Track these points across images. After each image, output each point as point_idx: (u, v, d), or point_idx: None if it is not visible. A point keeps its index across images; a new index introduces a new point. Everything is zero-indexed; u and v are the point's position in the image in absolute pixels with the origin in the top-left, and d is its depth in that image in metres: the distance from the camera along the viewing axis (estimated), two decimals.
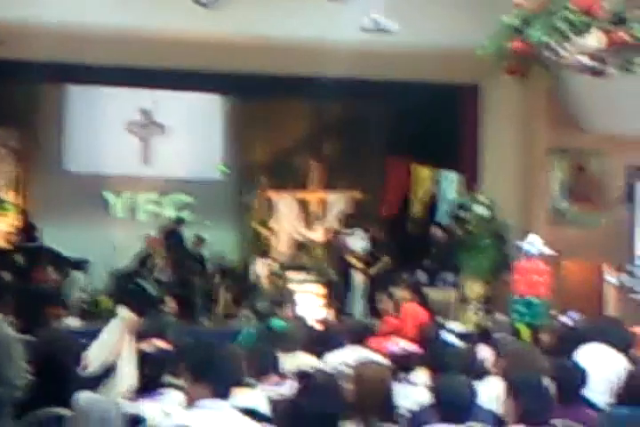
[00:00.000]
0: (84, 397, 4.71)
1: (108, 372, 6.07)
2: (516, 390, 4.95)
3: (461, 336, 8.71)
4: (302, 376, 5.24)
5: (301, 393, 4.85)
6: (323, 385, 4.84)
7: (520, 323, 9.49)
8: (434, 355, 6.28)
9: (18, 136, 17.11)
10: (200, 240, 15.71)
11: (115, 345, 6.55)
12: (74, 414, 4.70)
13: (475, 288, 13.17)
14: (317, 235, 17.66)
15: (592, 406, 5.83)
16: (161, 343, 6.00)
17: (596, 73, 9.05)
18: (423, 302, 10.22)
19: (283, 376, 6.58)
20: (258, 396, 5.76)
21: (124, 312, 7.02)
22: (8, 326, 5.77)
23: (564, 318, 9.65)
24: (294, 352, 7.37)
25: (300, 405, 4.75)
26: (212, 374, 4.58)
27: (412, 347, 6.49)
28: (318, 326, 9.65)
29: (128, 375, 6.16)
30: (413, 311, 9.75)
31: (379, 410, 4.81)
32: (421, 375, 6.13)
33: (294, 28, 11.84)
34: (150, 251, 15.14)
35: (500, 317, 9.66)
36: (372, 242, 15.55)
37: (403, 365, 5.79)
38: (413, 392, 5.14)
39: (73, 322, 12.45)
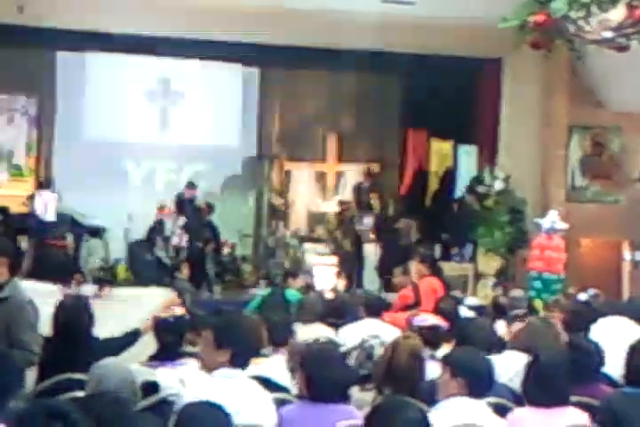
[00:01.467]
0: (100, 363, 4.73)
1: (131, 338, 6.08)
2: (537, 365, 4.97)
3: (477, 311, 8.71)
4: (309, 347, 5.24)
5: (308, 363, 4.85)
6: (327, 355, 4.85)
7: (537, 299, 9.47)
8: (458, 329, 6.26)
9: (37, 103, 17.11)
10: (210, 207, 15.63)
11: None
12: (91, 378, 4.72)
13: (491, 263, 13.16)
14: (332, 207, 17.65)
15: (611, 382, 5.80)
16: (180, 310, 6.01)
17: (619, 48, 8.96)
18: (438, 276, 10.14)
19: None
20: (274, 365, 5.77)
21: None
22: (24, 290, 5.79)
23: (582, 296, 9.64)
24: (311, 323, 7.37)
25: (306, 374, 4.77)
26: (233, 343, 4.61)
27: (441, 322, 6.43)
28: (333, 298, 9.64)
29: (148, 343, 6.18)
30: (431, 286, 9.69)
31: (407, 383, 4.81)
32: (443, 351, 6.11)
33: None
34: (164, 218, 15.13)
35: (516, 292, 9.61)
36: (386, 215, 15.51)
37: (429, 341, 5.75)
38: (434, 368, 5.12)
39: (89, 289, 12.46)
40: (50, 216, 14.56)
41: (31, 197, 14.75)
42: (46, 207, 14.65)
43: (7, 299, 5.40)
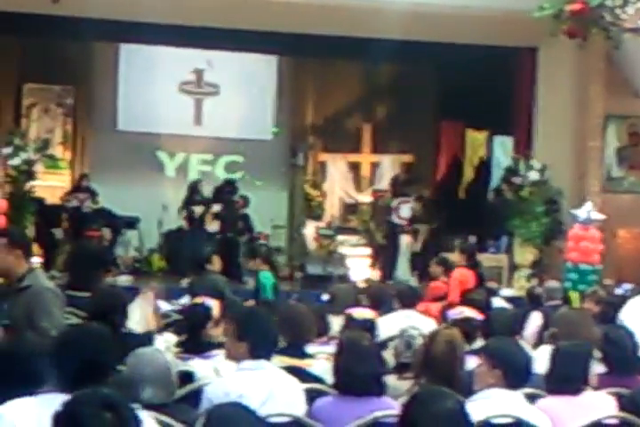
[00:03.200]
0: (137, 351, 4.75)
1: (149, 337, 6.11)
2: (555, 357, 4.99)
3: (513, 302, 8.67)
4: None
5: (339, 353, 4.88)
6: (357, 344, 4.86)
7: (572, 290, 9.40)
8: (489, 320, 6.24)
9: (73, 94, 17.20)
10: (245, 201, 15.68)
11: (147, 320, 6.62)
12: (127, 369, 4.73)
13: (526, 254, 13.09)
14: (367, 198, 17.63)
15: None
16: (211, 302, 6.02)
17: None
18: (476, 266, 10.11)
19: (331, 337, 6.59)
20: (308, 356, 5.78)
21: (143, 290, 7.11)
22: (47, 278, 5.85)
23: (619, 290, 9.58)
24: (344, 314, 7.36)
25: (338, 364, 4.81)
26: (252, 335, 4.66)
27: (476, 315, 6.39)
28: (366, 288, 9.61)
29: (169, 340, 6.21)
30: (462, 277, 9.67)
31: (444, 373, 4.80)
32: (481, 343, 6.08)
33: None
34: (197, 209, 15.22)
35: (551, 283, 9.55)
36: (423, 206, 15.46)
37: (464, 334, 5.74)
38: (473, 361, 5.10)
39: (125, 280, 12.53)
40: (86, 209, 14.72)
41: (67, 198, 14.92)
42: (82, 204, 14.81)
43: (27, 288, 5.47)
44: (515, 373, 4.62)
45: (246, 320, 4.90)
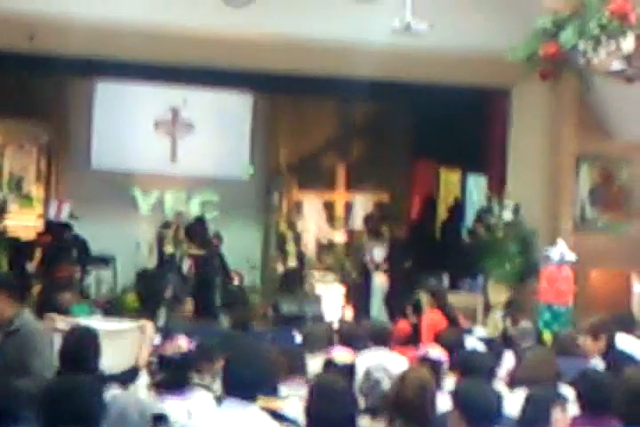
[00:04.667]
0: (116, 395, 4.71)
1: (132, 375, 6.04)
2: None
3: (486, 343, 8.66)
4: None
5: (311, 396, 4.84)
6: (329, 388, 4.82)
7: (546, 331, 9.41)
8: (460, 360, 6.23)
9: (47, 132, 17.16)
10: (218, 238, 15.66)
11: (135, 353, 6.54)
12: (111, 412, 4.69)
13: (500, 294, 13.10)
14: (341, 236, 17.63)
15: None
16: (184, 345, 5.93)
17: (628, 79, 8.97)
18: (446, 307, 10.10)
19: (306, 378, 6.55)
20: (283, 397, 5.74)
21: (143, 321, 6.99)
22: (35, 318, 5.82)
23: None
24: (319, 353, 7.33)
25: (310, 408, 4.77)
26: (242, 374, 4.60)
27: (442, 355, 6.40)
28: (340, 328, 9.57)
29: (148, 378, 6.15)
30: (433, 321, 9.68)
31: (416, 414, 4.78)
32: (450, 383, 6.08)
33: (323, 28, 11.82)
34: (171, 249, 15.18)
35: (525, 324, 9.56)
36: (396, 245, 15.47)
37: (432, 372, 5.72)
38: (443, 400, 5.08)
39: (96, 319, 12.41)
40: (63, 217, 14.59)
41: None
42: (60, 210, 14.71)
43: (17, 331, 5.46)
44: (481, 417, 4.60)
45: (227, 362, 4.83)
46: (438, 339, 7.67)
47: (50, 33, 11.83)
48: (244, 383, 4.64)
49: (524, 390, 5.87)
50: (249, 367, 4.68)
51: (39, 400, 4.07)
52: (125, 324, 6.94)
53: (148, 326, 6.88)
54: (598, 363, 7.07)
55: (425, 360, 6.31)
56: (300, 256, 16.45)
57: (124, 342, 6.50)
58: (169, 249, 15.05)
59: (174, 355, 5.80)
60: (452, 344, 7.14)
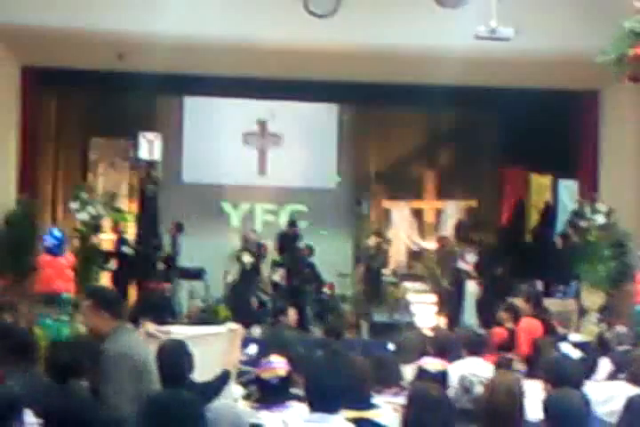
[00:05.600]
0: (212, 406, 4.74)
1: (224, 381, 6.03)
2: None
3: (581, 348, 8.54)
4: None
5: (409, 405, 4.83)
6: (427, 396, 4.81)
7: None
8: (550, 368, 6.15)
9: (138, 147, 17.43)
10: (310, 250, 15.75)
11: (225, 356, 6.53)
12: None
13: (594, 298, 12.92)
14: (432, 244, 17.57)
15: None
16: (282, 371, 5.83)
17: None
18: (542, 313, 10.02)
19: (402, 387, 6.53)
20: (378, 407, 5.73)
21: (232, 325, 6.99)
22: (131, 333, 5.78)
23: None
24: (414, 363, 7.31)
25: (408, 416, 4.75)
26: (324, 387, 4.61)
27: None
28: (434, 336, 9.53)
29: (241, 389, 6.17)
30: (529, 326, 9.60)
31: (508, 422, 4.75)
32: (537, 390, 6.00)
33: (407, 36, 11.81)
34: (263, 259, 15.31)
35: (620, 328, 9.40)
36: (488, 251, 15.35)
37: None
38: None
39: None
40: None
41: None
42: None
43: (103, 352, 5.41)
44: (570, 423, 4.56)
45: (308, 376, 4.87)
46: (534, 345, 7.59)
47: (138, 51, 12.06)
48: (327, 396, 4.68)
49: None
50: (332, 380, 4.71)
51: (142, 415, 4.08)
52: (215, 327, 6.97)
53: (237, 329, 6.88)
54: None
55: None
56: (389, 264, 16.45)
57: (213, 346, 6.53)
58: (246, 259, 15.15)
59: (272, 379, 5.73)
60: (547, 352, 7.06)
